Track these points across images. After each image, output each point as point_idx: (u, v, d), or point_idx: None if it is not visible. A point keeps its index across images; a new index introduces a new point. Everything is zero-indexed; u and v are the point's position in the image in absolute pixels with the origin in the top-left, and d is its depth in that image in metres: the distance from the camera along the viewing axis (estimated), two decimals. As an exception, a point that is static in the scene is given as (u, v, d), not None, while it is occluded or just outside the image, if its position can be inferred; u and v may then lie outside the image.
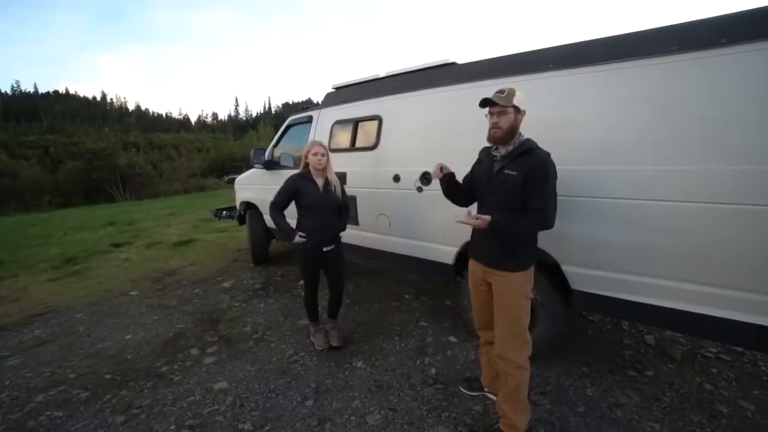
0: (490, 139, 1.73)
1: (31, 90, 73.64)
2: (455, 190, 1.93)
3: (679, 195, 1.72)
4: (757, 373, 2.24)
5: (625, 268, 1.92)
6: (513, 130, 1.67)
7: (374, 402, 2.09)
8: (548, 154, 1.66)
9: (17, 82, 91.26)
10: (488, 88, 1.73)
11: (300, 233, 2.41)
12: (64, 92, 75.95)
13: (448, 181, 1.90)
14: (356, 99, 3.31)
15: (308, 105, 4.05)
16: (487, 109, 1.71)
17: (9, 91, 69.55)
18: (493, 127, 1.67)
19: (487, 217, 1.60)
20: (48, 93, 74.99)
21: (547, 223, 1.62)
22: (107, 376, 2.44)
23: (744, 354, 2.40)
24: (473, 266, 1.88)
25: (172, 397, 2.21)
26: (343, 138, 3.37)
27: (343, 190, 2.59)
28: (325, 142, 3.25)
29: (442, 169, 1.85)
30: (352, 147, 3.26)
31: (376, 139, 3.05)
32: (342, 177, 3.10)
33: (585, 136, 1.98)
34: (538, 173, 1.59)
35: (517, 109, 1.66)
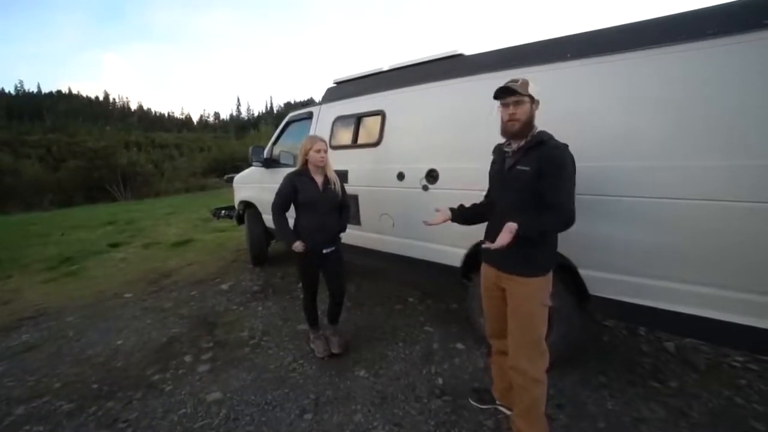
0: (505, 133, 1.58)
1: (35, 90, 73.90)
2: (477, 215, 1.80)
3: (711, 193, 1.56)
4: (791, 386, 2.08)
5: (649, 273, 1.77)
6: (530, 122, 1.53)
7: (378, 416, 1.95)
8: (565, 146, 1.50)
9: (21, 81, 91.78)
10: (498, 80, 1.59)
11: (300, 241, 2.27)
12: (67, 92, 76.11)
13: (460, 215, 1.79)
14: (358, 94, 3.16)
15: (310, 104, 3.91)
16: (498, 102, 1.57)
17: (12, 91, 69.78)
18: (510, 119, 1.52)
19: (513, 225, 1.38)
20: (51, 93, 75.25)
21: (570, 220, 1.45)
22: (94, 386, 2.30)
23: (774, 364, 2.24)
24: (486, 270, 1.73)
25: (162, 409, 2.07)
26: (345, 134, 3.23)
27: (342, 189, 2.44)
28: (326, 139, 3.11)
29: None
30: (354, 144, 3.12)
31: (379, 135, 2.90)
32: (343, 175, 2.96)
33: (607, 130, 1.82)
34: (553, 165, 1.44)
35: (532, 99, 1.52)
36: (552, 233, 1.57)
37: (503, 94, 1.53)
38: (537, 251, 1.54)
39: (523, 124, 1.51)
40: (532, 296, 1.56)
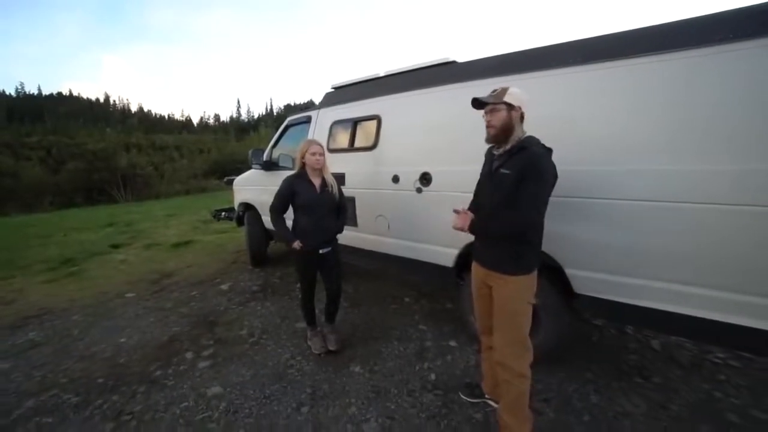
0: (486, 138, 1.69)
1: (35, 92, 73.92)
2: None
3: (693, 196, 1.64)
4: (770, 381, 2.16)
5: (633, 272, 1.85)
6: (507, 128, 1.61)
7: (371, 409, 2.03)
8: (545, 153, 1.59)
9: (21, 83, 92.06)
10: (488, 86, 1.68)
11: (298, 240, 2.36)
12: (67, 94, 76.24)
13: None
14: (355, 99, 3.26)
15: (310, 107, 4.00)
16: (483, 111, 1.67)
17: (13, 93, 69.90)
18: (487, 126, 1.65)
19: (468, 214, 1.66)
20: (52, 94, 75.31)
21: (525, 224, 1.55)
22: (99, 381, 2.38)
23: (754, 361, 2.33)
24: (475, 269, 1.82)
25: (165, 402, 2.15)
26: (342, 138, 3.32)
27: (340, 191, 2.53)
28: (324, 142, 3.20)
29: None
30: (351, 147, 3.21)
31: (375, 139, 2.99)
32: (341, 177, 3.05)
33: (592, 135, 1.90)
34: (530, 171, 1.52)
35: (510, 106, 1.60)
36: (506, 231, 1.60)
37: (473, 105, 1.67)
38: (521, 251, 1.62)
39: (498, 131, 1.61)
40: (517, 294, 1.64)
